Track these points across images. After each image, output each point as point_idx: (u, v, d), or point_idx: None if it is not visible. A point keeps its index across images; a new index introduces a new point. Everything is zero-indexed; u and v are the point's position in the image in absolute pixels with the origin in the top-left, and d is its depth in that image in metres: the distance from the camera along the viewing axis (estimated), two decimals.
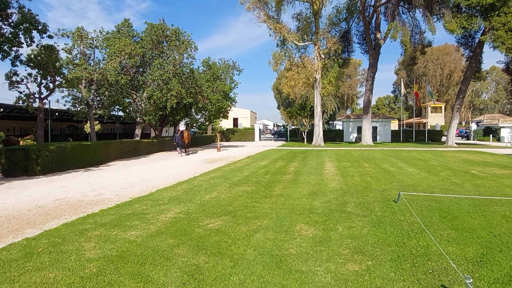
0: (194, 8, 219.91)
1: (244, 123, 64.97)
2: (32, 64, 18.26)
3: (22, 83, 18.72)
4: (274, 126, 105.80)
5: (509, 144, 34.48)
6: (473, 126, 51.46)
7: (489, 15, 25.78)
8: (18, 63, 17.37)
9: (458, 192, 8.72)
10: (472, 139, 49.19)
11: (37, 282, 3.72)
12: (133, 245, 4.85)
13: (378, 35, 34.35)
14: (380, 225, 5.74)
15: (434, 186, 9.61)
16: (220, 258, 4.35)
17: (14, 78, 18.47)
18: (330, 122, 50.42)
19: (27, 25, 15.97)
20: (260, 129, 54.90)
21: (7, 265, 4.20)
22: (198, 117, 34.98)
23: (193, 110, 31.71)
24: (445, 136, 38.95)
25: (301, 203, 7.46)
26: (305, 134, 40.30)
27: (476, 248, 4.69)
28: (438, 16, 29.71)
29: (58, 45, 18.74)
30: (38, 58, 18.14)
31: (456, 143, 33.89)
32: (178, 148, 24.16)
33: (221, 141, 40.68)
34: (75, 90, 22.10)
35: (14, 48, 16.39)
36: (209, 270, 3.99)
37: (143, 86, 25.40)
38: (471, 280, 3.23)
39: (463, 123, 77.40)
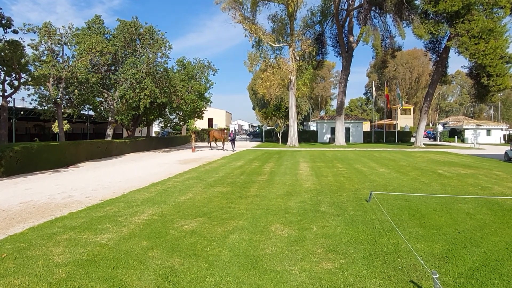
0: (168, 6, 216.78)
1: (219, 123, 64.66)
2: None
3: None
4: (249, 126, 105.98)
5: (473, 145, 36.23)
6: (440, 128, 53.70)
7: (454, 22, 27.03)
8: None
9: (426, 191, 9.07)
10: (438, 140, 51.34)
11: None
12: (105, 249, 4.71)
13: (351, 39, 35.18)
14: (353, 224, 5.88)
15: (403, 186, 9.95)
16: (195, 260, 4.31)
17: None
18: (304, 123, 51.05)
19: None
20: (235, 130, 54.78)
21: None
22: (172, 117, 34.49)
23: (167, 110, 31.23)
24: (414, 137, 40.47)
25: (277, 204, 7.52)
26: (280, 134, 40.62)
27: (442, 244, 4.91)
28: (408, 21, 30.80)
29: (23, 41, 17.85)
30: (2, 53, 17.20)
31: (424, 144, 35.28)
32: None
33: (195, 142, 40.26)
34: (42, 88, 21.17)
35: None
36: (184, 272, 3.94)
37: (115, 85, 24.72)
38: (438, 275, 3.37)
39: (431, 125, 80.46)
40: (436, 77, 33.02)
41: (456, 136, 46.39)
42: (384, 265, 4.17)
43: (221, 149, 29.21)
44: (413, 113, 74.62)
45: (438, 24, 28.25)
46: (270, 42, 33.60)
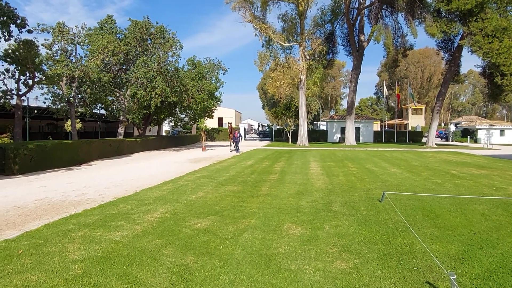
0: (178, 6, 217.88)
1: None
2: (9, 60, 17.63)
3: None
4: (259, 126, 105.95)
5: (486, 145, 35.62)
6: (452, 128, 52.89)
7: (467, 21, 26.58)
8: None
9: (439, 191, 8.95)
10: (451, 140, 50.57)
11: (18, 285, 3.59)
12: (119, 246, 4.76)
13: (362, 37, 34.90)
14: (366, 224, 5.83)
15: (416, 186, 9.83)
16: (208, 258, 4.32)
17: None
18: (314, 122, 50.80)
19: (4, 18, 15.42)
20: (245, 129, 54.90)
21: None
22: (182, 116, 34.68)
23: (177, 109, 31.42)
24: (426, 137, 39.93)
25: (288, 203, 7.50)
26: (290, 134, 40.52)
27: (457, 245, 4.83)
28: (420, 20, 30.40)
29: (37, 41, 18.13)
30: (16, 53, 17.53)
31: (436, 144, 34.81)
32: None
33: (206, 141, 40.41)
34: (55, 87, 21.53)
35: None
36: (198, 270, 3.96)
37: (127, 84, 24.98)
38: (455, 276, 3.32)
39: (442, 125, 79.39)
40: (448, 76, 32.54)
41: (468, 136, 45.65)
42: (399, 266, 4.12)
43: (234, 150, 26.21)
44: (425, 112, 73.73)
45: (451, 22, 27.80)
46: (280, 41, 33.54)
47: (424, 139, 44.95)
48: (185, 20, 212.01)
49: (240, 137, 26.15)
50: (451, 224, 5.87)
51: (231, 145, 26.81)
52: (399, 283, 3.66)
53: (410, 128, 50.93)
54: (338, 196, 8.28)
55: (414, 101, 48.35)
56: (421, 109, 69.67)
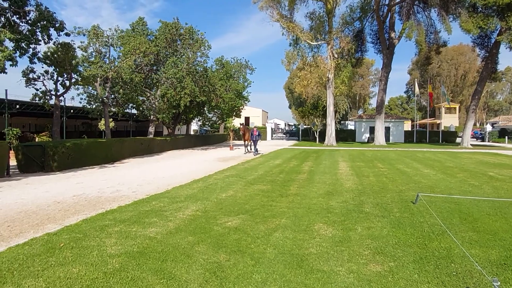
0: (206, 7, 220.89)
1: (255, 122, 64.96)
2: (48, 62, 18.51)
3: (39, 80, 18.98)
4: (285, 125, 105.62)
5: None
6: (488, 128, 50.43)
7: (505, 15, 25.27)
8: (35, 60, 17.61)
9: (476, 194, 8.56)
10: (487, 140, 48.22)
11: (61, 277, 3.76)
12: (154, 242, 4.88)
13: (393, 35, 33.95)
14: (400, 226, 5.67)
15: (452, 188, 9.46)
16: (240, 256, 4.35)
17: (31, 75, 18.74)
18: (342, 122, 49.98)
19: (44, 22, 16.13)
20: (272, 128, 54.87)
21: (30, 260, 4.25)
22: (210, 115, 35.13)
23: (206, 108, 31.87)
24: (460, 137, 38.33)
25: (318, 203, 7.42)
26: (317, 133, 40.09)
27: (499, 250, 4.60)
28: (454, 15, 29.18)
29: (74, 43, 18.98)
30: (55, 55, 18.39)
31: (471, 145, 33.31)
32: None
33: (233, 140, 40.72)
34: (90, 87, 22.41)
35: (32, 46, 16.61)
36: (231, 268, 3.99)
37: (157, 84, 25.63)
38: (499, 283, 3.16)
39: (478, 125, 75.92)
40: (485, 73, 31.04)
41: (506, 137, 43.34)
42: (437, 270, 3.97)
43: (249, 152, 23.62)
44: (459, 112, 70.77)
45: (487, 17, 26.50)
46: (307, 40, 33.25)
47: (458, 140, 43.13)
48: (212, 20, 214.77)
49: (259, 137, 23.30)
50: (491, 228, 5.60)
51: (245, 147, 23.97)
52: None
53: (443, 128, 49.03)
54: (369, 197, 8.11)
55: (448, 100, 46.46)
56: (454, 108, 66.90)
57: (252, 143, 22.82)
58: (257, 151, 22.45)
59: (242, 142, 29.34)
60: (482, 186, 9.88)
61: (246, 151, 23.59)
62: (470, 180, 11.05)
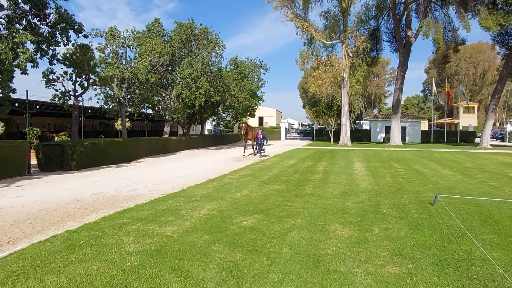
0: (220, 7, 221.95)
1: (269, 122, 64.90)
2: (67, 63, 18.94)
3: (58, 81, 19.46)
4: (299, 125, 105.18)
5: None
6: (509, 128, 48.96)
7: None
8: (55, 61, 18.02)
9: (497, 195, 8.34)
10: (507, 140, 46.86)
11: (81, 274, 3.85)
12: (171, 240, 4.94)
13: (409, 33, 33.36)
14: (418, 228, 5.57)
15: (471, 189, 9.24)
16: (256, 256, 4.36)
17: (50, 76, 19.22)
18: (357, 121, 49.48)
19: (63, 24, 16.49)
20: (286, 128, 54.72)
21: (52, 256, 4.37)
22: (225, 115, 35.29)
23: (220, 108, 32.02)
24: (479, 137, 37.39)
25: (334, 203, 7.37)
26: (332, 133, 39.76)
27: None
28: (473, 12, 28.48)
29: (92, 44, 19.38)
30: (74, 57, 18.81)
31: (490, 145, 32.44)
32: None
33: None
34: (108, 88, 22.82)
35: (52, 47, 17.02)
36: (247, 268, 4.01)
37: (172, 84, 25.91)
38: None
39: (497, 124, 73.84)
40: (505, 72, 30.16)
41: None
42: (457, 273, 3.89)
43: (253, 153, 21.73)
44: (477, 111, 69.04)
45: (508, 14, 25.76)
46: (322, 40, 32.99)
47: (477, 140, 42.08)
48: (226, 20, 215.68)
49: (265, 140, 20.55)
50: None
51: (245, 148, 21.67)
52: None
53: (461, 128, 47.95)
54: (386, 197, 8.00)
55: (466, 99, 45.39)
56: (473, 107, 65.29)
57: (257, 146, 20.75)
58: (263, 151, 20.86)
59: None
60: (503, 187, 9.63)
61: (247, 153, 21.38)
62: (490, 181, 10.77)
